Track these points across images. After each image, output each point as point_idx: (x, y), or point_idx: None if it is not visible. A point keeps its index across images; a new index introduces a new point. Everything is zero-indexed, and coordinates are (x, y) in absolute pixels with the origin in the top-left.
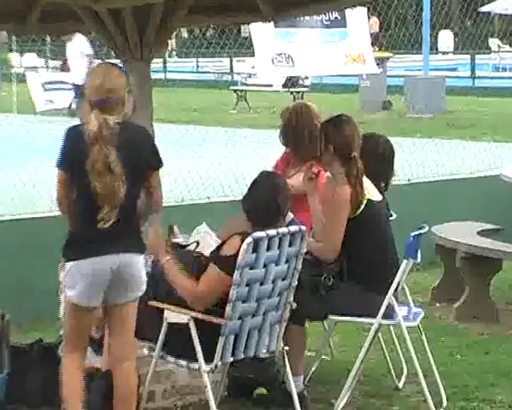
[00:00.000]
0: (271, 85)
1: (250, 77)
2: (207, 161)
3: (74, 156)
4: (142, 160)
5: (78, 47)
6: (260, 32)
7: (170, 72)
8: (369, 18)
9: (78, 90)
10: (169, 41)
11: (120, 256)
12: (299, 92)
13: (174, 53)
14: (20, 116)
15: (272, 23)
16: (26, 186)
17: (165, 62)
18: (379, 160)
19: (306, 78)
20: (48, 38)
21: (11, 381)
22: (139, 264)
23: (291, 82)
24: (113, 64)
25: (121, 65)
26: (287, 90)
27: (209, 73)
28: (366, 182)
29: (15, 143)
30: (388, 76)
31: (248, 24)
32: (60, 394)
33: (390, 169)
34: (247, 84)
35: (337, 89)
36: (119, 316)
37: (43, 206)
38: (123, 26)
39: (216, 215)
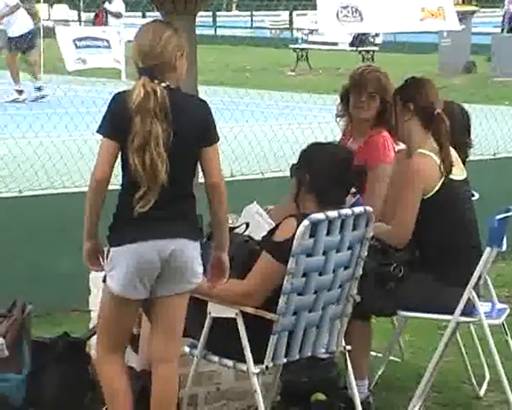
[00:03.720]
0: (336, 44)
1: (312, 34)
2: (260, 131)
3: (119, 125)
4: (193, 136)
5: None
6: None
7: (220, 27)
8: None
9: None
10: None
11: (170, 242)
12: (368, 51)
13: (234, 6)
14: (47, 77)
15: None
16: (53, 158)
17: (214, 16)
18: (455, 130)
19: (377, 35)
20: None
21: (32, 381)
22: (193, 252)
23: (359, 40)
24: (163, 22)
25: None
26: (354, 49)
27: (265, 28)
28: (452, 154)
29: (38, 108)
30: (473, 33)
31: None
32: (87, 395)
33: (468, 141)
34: (308, 42)
35: (413, 48)
36: (165, 311)
37: (69, 180)
38: None
39: (270, 192)
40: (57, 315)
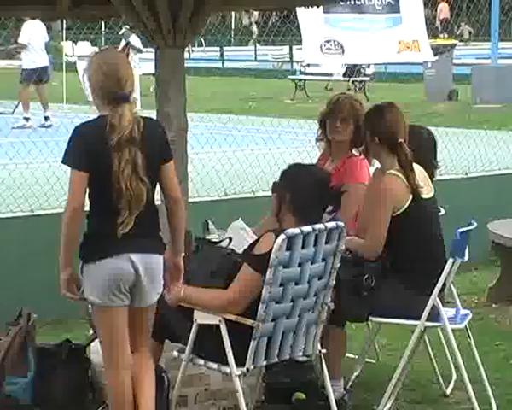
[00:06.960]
0: (331, 74)
1: (309, 66)
2: (251, 154)
3: (94, 156)
4: (156, 155)
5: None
6: (308, 18)
7: (227, 60)
8: (438, 3)
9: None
10: (253, 28)
11: (140, 256)
12: (360, 82)
13: (252, 41)
14: (68, 106)
15: (321, 9)
16: (61, 180)
17: (221, 51)
18: (423, 152)
19: (368, 66)
20: (103, 27)
21: (37, 383)
22: (160, 265)
23: (352, 71)
24: (121, 52)
25: None
26: (347, 79)
27: (268, 61)
28: (421, 174)
29: (57, 134)
30: (456, 64)
31: (290, 10)
32: (88, 397)
33: (434, 162)
34: (306, 73)
35: (401, 78)
36: (138, 318)
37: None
38: (156, 12)
39: (261, 210)
40: (69, 322)
